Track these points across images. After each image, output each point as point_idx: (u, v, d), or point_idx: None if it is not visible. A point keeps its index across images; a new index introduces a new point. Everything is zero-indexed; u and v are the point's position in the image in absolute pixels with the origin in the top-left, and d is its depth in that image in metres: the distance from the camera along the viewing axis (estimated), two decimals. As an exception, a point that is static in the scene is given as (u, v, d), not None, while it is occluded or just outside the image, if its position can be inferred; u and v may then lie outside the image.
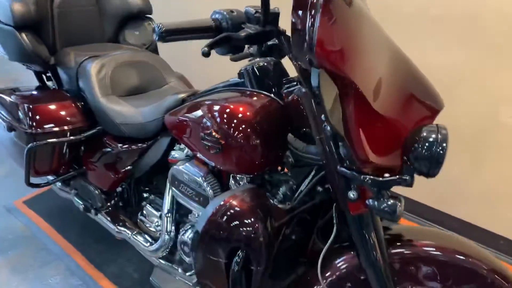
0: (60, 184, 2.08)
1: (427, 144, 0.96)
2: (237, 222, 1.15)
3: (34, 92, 1.99)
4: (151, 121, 1.64)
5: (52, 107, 1.80)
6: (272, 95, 1.31)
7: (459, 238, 1.24)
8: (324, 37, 0.80)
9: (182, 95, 1.63)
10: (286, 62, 1.37)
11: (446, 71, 1.94)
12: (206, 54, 1.10)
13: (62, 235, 2.32)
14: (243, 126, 1.25)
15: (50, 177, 2.06)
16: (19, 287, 1.99)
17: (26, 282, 2.02)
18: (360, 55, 0.88)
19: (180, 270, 1.64)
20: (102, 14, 2.18)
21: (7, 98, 1.87)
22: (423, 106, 1.06)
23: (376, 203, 1.01)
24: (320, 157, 1.25)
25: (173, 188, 1.53)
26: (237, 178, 1.41)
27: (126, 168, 1.77)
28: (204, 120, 1.33)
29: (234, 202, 1.17)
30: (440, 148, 0.95)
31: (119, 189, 1.87)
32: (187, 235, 1.58)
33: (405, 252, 1.18)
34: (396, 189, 1.02)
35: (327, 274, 1.20)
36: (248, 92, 1.33)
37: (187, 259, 1.59)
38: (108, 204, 1.86)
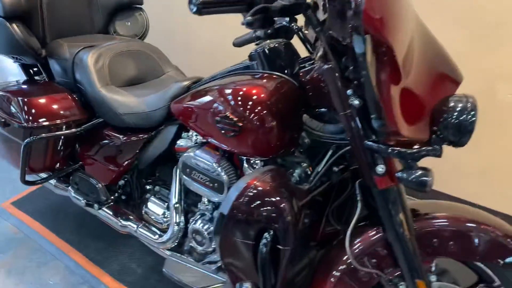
0: (55, 180, 2.00)
1: (456, 113, 0.98)
2: (264, 203, 1.13)
3: (26, 86, 1.92)
4: (155, 110, 1.61)
5: (48, 100, 1.73)
6: (286, 76, 1.31)
7: (470, 208, 1.27)
8: (372, 2, 0.80)
9: (186, 83, 1.60)
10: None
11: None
12: (250, 24, 1.11)
13: (57, 234, 2.24)
14: (260, 107, 1.24)
15: (44, 174, 1.99)
16: (17, 290, 1.92)
17: (24, 284, 1.95)
18: (398, 24, 0.89)
19: (191, 259, 1.61)
20: (92, 5, 2.11)
21: (1, 94, 1.79)
22: (446, 78, 1.08)
23: (406, 175, 1.02)
24: (340, 135, 1.26)
25: (185, 176, 1.51)
26: (251, 162, 1.40)
27: (129, 160, 1.73)
28: (219, 103, 1.31)
29: (259, 183, 1.16)
30: (469, 116, 0.97)
31: (121, 182, 1.83)
32: (199, 224, 1.56)
33: (425, 225, 1.19)
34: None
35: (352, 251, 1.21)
36: (262, 74, 1.32)
37: (199, 248, 1.57)
38: (112, 197, 1.81)
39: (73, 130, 1.73)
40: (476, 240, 1.16)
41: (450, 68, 1.09)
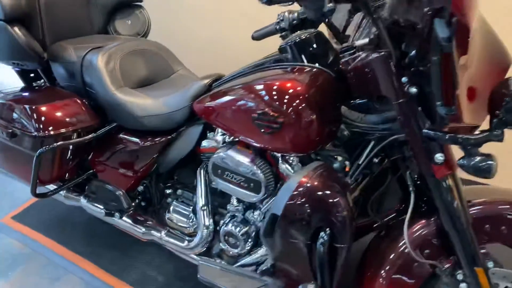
0: (64, 191, 1.90)
1: (519, 95, 0.96)
2: (320, 201, 1.10)
3: (29, 93, 1.81)
4: (177, 111, 1.54)
5: (59, 106, 1.63)
6: (321, 67, 1.26)
7: (506, 190, 1.26)
8: None
9: (207, 81, 1.54)
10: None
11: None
12: (330, 12, 1.07)
13: (67, 247, 2.14)
14: (301, 101, 1.19)
15: (52, 186, 1.89)
16: (33, 308, 1.82)
17: (39, 302, 1.85)
18: (473, 5, 0.85)
19: (223, 262, 1.56)
20: (90, 5, 2.01)
21: (3, 102, 1.68)
22: (498, 62, 1.06)
23: (468, 162, 1.00)
24: (383, 126, 1.23)
25: (216, 178, 1.44)
26: (287, 158, 1.35)
27: (148, 164, 1.65)
28: (256, 100, 1.26)
29: (312, 181, 1.11)
30: None
31: (140, 188, 1.75)
32: (231, 226, 1.50)
33: (476, 211, 1.18)
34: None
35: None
36: (296, 67, 1.27)
37: (233, 251, 1.52)
38: (133, 204, 1.73)
39: (89, 136, 1.64)
40: None
41: (501, 51, 1.07)
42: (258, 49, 2.67)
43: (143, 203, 1.77)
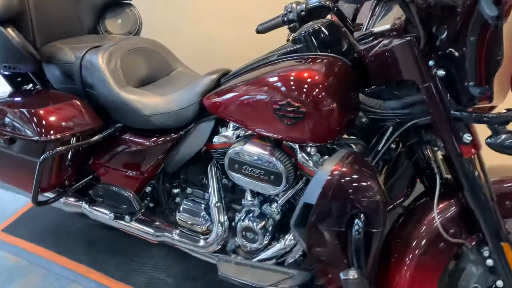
0: (64, 198, 1.83)
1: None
2: (354, 187, 1.11)
3: (22, 97, 1.72)
4: (186, 107, 1.52)
5: (59, 109, 1.57)
6: (338, 56, 1.27)
7: None
8: None
9: (215, 76, 1.53)
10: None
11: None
12: None
13: (66, 256, 2.06)
14: (323, 90, 1.20)
15: (49, 194, 1.81)
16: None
17: (46, 315, 1.78)
18: None
19: (241, 258, 1.54)
20: (79, 4, 1.94)
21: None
22: None
23: (495, 140, 1.03)
24: (403, 111, 1.25)
25: (233, 173, 1.43)
26: (306, 148, 1.35)
27: (156, 164, 1.61)
28: (276, 91, 1.25)
29: (345, 169, 1.12)
30: None
31: (148, 188, 1.70)
32: (248, 221, 1.49)
33: (497, 188, 1.21)
34: None
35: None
36: (314, 56, 1.28)
37: (252, 246, 1.51)
38: (144, 206, 1.68)
39: (95, 138, 1.58)
40: None
41: None
42: (249, 47, 2.67)
43: (151, 204, 1.73)
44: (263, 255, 1.51)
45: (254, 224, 1.48)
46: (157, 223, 1.70)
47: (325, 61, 1.25)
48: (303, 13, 1.39)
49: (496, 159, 1.20)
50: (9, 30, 1.57)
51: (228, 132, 1.49)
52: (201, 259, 1.69)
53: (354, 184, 1.10)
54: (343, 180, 1.11)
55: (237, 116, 1.38)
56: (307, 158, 1.34)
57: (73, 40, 1.80)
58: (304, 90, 1.21)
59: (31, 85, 1.90)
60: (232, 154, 1.41)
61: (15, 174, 1.68)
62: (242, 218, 1.52)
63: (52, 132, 1.52)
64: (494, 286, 1.24)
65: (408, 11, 0.98)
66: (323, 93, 1.20)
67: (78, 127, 1.57)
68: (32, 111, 1.54)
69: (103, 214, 1.74)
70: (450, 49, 0.99)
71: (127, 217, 1.68)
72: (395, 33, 1.10)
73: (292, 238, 1.43)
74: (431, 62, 1.04)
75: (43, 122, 1.52)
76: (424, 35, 1.00)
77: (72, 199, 1.84)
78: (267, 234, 1.48)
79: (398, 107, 1.25)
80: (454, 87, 1.05)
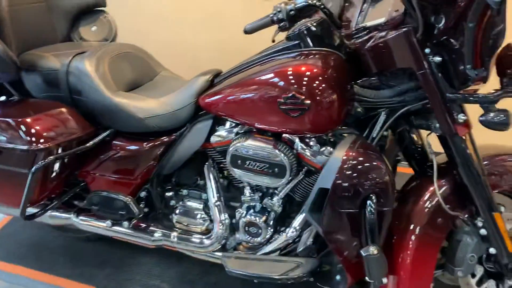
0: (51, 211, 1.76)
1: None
2: (367, 169, 1.19)
3: (4, 107, 1.64)
4: (182, 108, 1.53)
5: (48, 116, 1.52)
6: (333, 50, 1.35)
7: (498, 145, 1.45)
8: None
9: (208, 76, 1.57)
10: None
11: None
12: None
13: (50, 273, 1.97)
14: (324, 81, 1.27)
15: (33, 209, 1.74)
16: None
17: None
18: None
19: (244, 253, 1.57)
20: (52, 12, 1.89)
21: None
22: None
23: (487, 117, 1.14)
24: (397, 98, 1.34)
25: (235, 169, 1.46)
26: (306, 140, 1.41)
27: (150, 168, 1.61)
28: (279, 85, 1.31)
29: (356, 153, 1.19)
30: None
31: (142, 193, 1.68)
32: (249, 216, 1.53)
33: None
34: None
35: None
36: (310, 51, 1.34)
37: (256, 240, 1.54)
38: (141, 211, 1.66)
39: (89, 144, 1.55)
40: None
41: None
42: (218, 51, 2.71)
43: (145, 209, 1.71)
44: (266, 249, 1.54)
45: (257, 218, 1.51)
46: (153, 227, 1.69)
47: (323, 55, 1.32)
48: (292, 12, 1.46)
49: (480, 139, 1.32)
50: (-10, 38, 1.51)
51: (227, 129, 1.51)
52: (196, 261, 1.71)
53: (366, 167, 1.18)
54: (355, 164, 1.18)
55: (238, 113, 1.42)
56: (308, 149, 1.40)
57: (52, 48, 1.75)
58: (308, 82, 1.27)
59: (4, 97, 1.82)
60: (234, 150, 1.44)
61: (5, 189, 1.60)
62: (244, 214, 1.55)
63: (43, 140, 1.47)
64: (487, 253, 1.36)
65: (409, 3, 1.07)
66: (326, 85, 1.27)
67: (70, 134, 1.53)
68: (20, 120, 1.48)
69: (97, 223, 1.69)
70: (445, 36, 1.08)
71: (125, 223, 1.65)
72: (391, 25, 1.19)
73: (294, 229, 1.49)
74: (427, 50, 1.14)
75: (32, 130, 1.47)
76: (422, 25, 1.09)
77: (60, 211, 1.78)
78: (270, 227, 1.52)
79: (391, 95, 1.34)
80: (448, 72, 1.15)
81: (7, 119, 1.50)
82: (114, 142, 1.62)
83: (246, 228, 1.54)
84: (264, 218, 1.52)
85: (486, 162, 1.33)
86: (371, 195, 1.17)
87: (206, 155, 1.62)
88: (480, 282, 1.43)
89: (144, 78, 1.79)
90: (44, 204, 1.71)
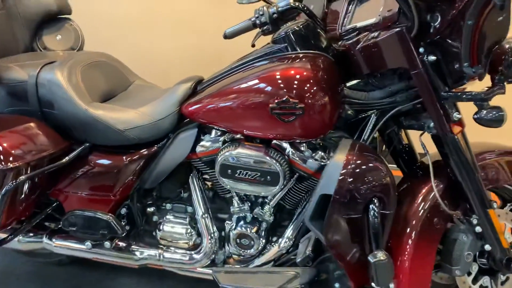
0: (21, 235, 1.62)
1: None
2: (369, 173, 1.16)
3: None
4: (164, 118, 1.46)
5: (18, 132, 1.40)
6: (320, 52, 1.32)
7: (486, 142, 1.47)
8: None
9: (190, 83, 1.50)
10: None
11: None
12: None
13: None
14: (318, 84, 1.25)
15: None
16: None
17: None
18: None
19: (236, 266, 1.50)
20: (13, 20, 1.76)
21: None
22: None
23: (481, 115, 1.14)
24: (388, 99, 1.33)
25: (225, 179, 1.39)
26: (297, 146, 1.37)
27: (129, 183, 1.51)
28: (271, 90, 1.27)
29: (356, 157, 1.16)
30: None
31: (123, 210, 1.58)
32: (240, 227, 1.47)
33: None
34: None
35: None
36: (298, 54, 1.31)
37: (248, 252, 1.48)
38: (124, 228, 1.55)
39: (63, 161, 1.43)
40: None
41: None
42: (190, 57, 2.64)
43: (127, 227, 1.60)
44: (259, 261, 1.48)
45: (248, 229, 1.46)
46: (136, 246, 1.58)
47: (312, 57, 1.29)
48: (275, 15, 1.42)
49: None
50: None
51: (213, 138, 1.45)
52: (181, 278, 1.62)
53: (368, 170, 1.15)
54: (357, 168, 1.15)
55: (226, 120, 1.36)
56: (300, 154, 1.36)
57: (15, 58, 1.63)
58: (301, 85, 1.24)
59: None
60: (223, 160, 1.38)
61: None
62: (234, 226, 1.48)
63: (13, 158, 1.35)
64: (480, 250, 1.37)
65: (405, 2, 1.06)
66: (319, 87, 1.24)
67: (42, 150, 1.41)
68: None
69: (74, 245, 1.57)
70: (440, 35, 1.08)
71: (107, 243, 1.54)
72: (383, 25, 1.17)
73: (287, 239, 1.44)
74: (421, 49, 1.13)
75: (4, 148, 1.35)
76: (417, 25, 1.08)
77: (28, 235, 1.63)
78: (262, 238, 1.47)
79: (382, 96, 1.33)
80: (442, 71, 1.14)
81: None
82: (90, 156, 1.52)
83: (238, 240, 1.47)
84: (255, 228, 1.46)
85: (479, 159, 1.34)
86: (373, 198, 1.15)
87: (190, 166, 1.54)
88: (475, 279, 1.44)
89: (118, 87, 1.69)
90: (12, 228, 1.57)
